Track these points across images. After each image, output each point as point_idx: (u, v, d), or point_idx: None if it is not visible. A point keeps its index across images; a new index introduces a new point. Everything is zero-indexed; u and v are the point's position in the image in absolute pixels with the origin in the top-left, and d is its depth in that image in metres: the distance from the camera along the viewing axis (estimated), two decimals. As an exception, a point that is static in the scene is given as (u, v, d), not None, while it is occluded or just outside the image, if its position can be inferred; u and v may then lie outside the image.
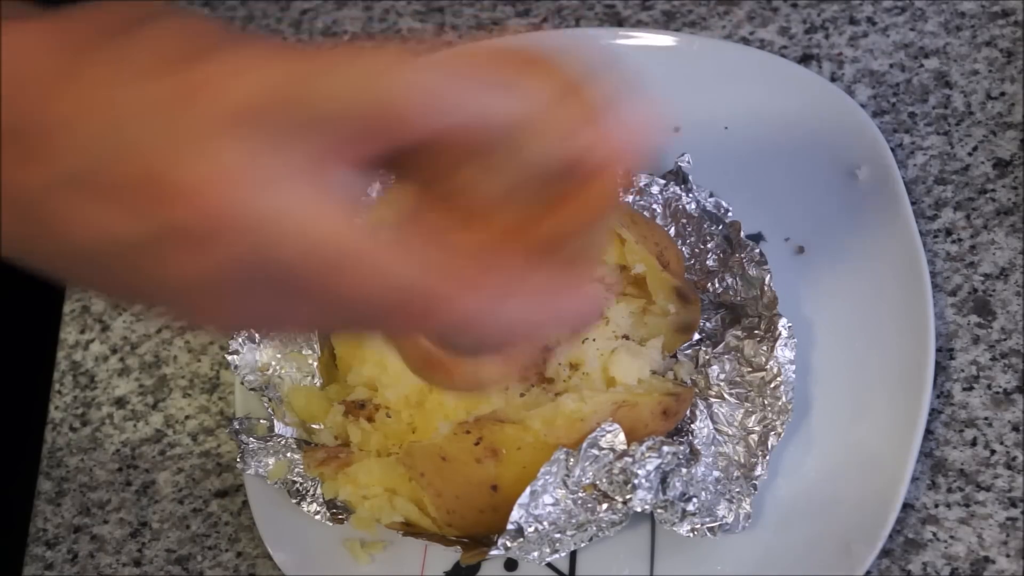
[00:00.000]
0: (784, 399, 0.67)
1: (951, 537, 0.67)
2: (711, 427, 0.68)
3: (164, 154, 0.38)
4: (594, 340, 0.68)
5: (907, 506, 0.67)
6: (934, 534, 0.67)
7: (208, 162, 0.38)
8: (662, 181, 0.73)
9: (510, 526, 0.62)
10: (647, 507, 0.63)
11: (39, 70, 0.40)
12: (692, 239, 0.72)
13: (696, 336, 0.71)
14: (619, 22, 0.83)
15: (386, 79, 0.39)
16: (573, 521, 0.63)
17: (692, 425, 0.68)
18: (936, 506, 0.67)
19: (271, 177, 0.38)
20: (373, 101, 0.39)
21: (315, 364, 0.72)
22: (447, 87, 0.40)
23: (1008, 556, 0.66)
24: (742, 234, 0.71)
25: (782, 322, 0.68)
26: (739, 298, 0.70)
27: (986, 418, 0.69)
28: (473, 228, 0.42)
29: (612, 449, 0.63)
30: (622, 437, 0.63)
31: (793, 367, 0.68)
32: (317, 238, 0.39)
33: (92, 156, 0.39)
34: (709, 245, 0.72)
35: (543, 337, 0.45)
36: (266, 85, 0.38)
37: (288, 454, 0.69)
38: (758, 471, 0.67)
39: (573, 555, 0.69)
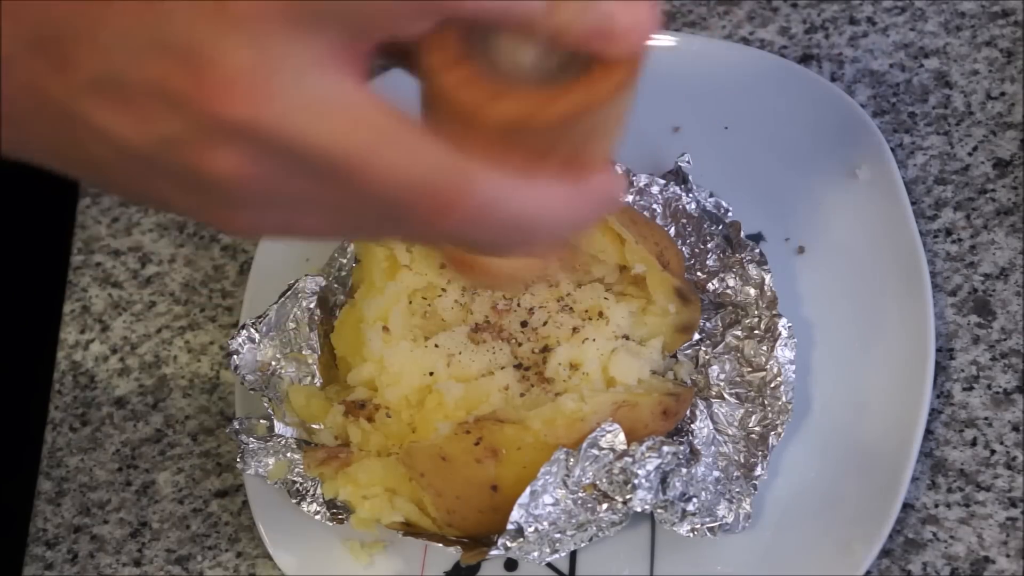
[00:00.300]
0: (784, 399, 0.67)
1: (951, 537, 0.67)
2: (711, 427, 0.68)
3: (188, 52, 0.38)
4: (594, 340, 0.68)
5: (907, 506, 0.67)
6: (934, 534, 0.67)
7: (233, 58, 0.38)
8: (662, 181, 0.73)
9: (510, 526, 0.62)
10: (647, 507, 0.63)
11: None
12: (692, 239, 0.72)
13: (696, 336, 0.71)
14: (619, 22, 0.83)
15: None
16: (573, 521, 0.63)
17: (692, 425, 0.68)
18: (936, 506, 0.67)
19: (296, 69, 0.39)
20: None
21: (315, 364, 0.72)
22: None
23: (1008, 556, 0.66)
24: (742, 234, 0.71)
25: (782, 322, 0.68)
26: (739, 298, 0.70)
27: (986, 418, 0.69)
28: (489, 113, 0.41)
29: (612, 449, 0.63)
30: (622, 437, 0.63)
31: (793, 367, 0.68)
32: (344, 127, 0.39)
33: (117, 60, 0.39)
34: (709, 245, 0.72)
35: (570, 225, 0.44)
36: None
37: (288, 454, 0.69)
38: (758, 471, 0.67)
39: (573, 555, 0.69)
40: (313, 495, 0.69)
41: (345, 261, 0.74)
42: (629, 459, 0.63)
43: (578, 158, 0.43)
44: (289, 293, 0.72)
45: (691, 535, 0.65)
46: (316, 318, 0.72)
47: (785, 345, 0.68)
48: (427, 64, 0.42)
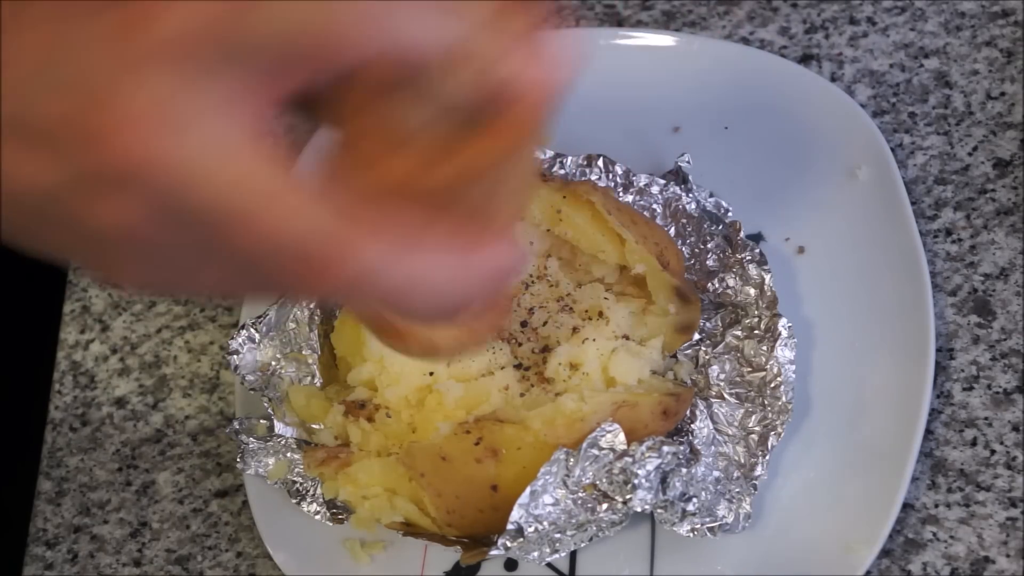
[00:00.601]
0: (784, 399, 0.67)
1: (951, 537, 0.67)
2: (711, 427, 0.68)
3: (86, 93, 0.37)
4: (594, 340, 0.68)
5: (907, 506, 0.67)
6: (934, 534, 0.67)
7: (128, 101, 0.37)
8: (662, 181, 0.73)
9: (510, 526, 0.62)
10: (647, 507, 0.63)
11: None
12: (692, 239, 0.72)
13: (696, 336, 0.71)
14: (619, 22, 0.83)
15: (325, 3, 0.38)
16: (573, 521, 0.63)
17: (692, 425, 0.68)
18: (936, 506, 0.67)
19: (190, 115, 0.37)
20: (310, 25, 0.38)
21: (315, 364, 0.72)
22: (385, 9, 0.38)
23: (1008, 556, 0.66)
24: (742, 234, 0.71)
25: (782, 322, 0.68)
26: (739, 298, 0.70)
27: (986, 418, 0.69)
28: (381, 169, 0.40)
29: (612, 449, 0.63)
30: (622, 437, 0.63)
31: (793, 367, 0.68)
32: (229, 179, 0.38)
33: (20, 100, 0.38)
34: (709, 245, 0.72)
35: (467, 296, 0.42)
36: (201, 14, 0.37)
37: (288, 454, 0.69)
38: (758, 471, 0.67)
39: (573, 555, 0.69)
40: (313, 495, 0.69)
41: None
42: (629, 459, 0.63)
43: (477, 218, 0.41)
44: (289, 293, 0.72)
45: (691, 535, 0.65)
46: (316, 318, 0.72)
47: (785, 345, 0.68)
48: (333, 115, 0.41)
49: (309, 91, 0.39)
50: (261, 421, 0.71)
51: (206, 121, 0.38)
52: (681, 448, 0.64)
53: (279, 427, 0.70)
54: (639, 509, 0.63)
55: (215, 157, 0.38)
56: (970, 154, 0.75)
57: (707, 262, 0.72)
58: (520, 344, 0.69)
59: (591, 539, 0.65)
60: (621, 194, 0.73)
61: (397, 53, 0.39)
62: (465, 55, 0.39)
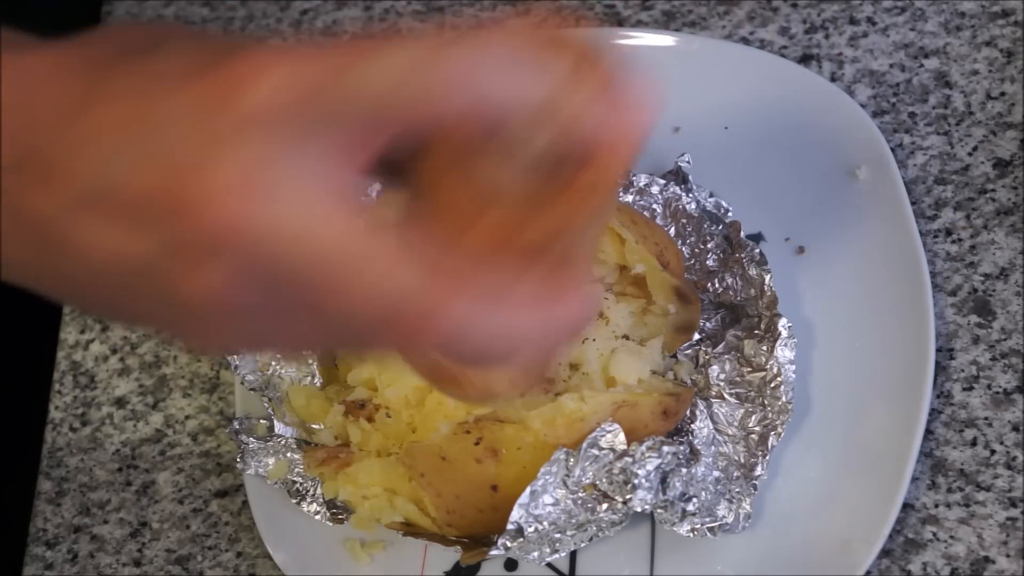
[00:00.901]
0: (784, 399, 0.67)
1: (951, 537, 0.67)
2: (711, 427, 0.68)
3: (176, 165, 0.38)
4: (594, 340, 0.68)
5: (907, 506, 0.67)
6: (934, 534, 0.67)
7: (219, 170, 0.37)
8: (662, 181, 0.73)
9: (510, 526, 0.62)
10: (647, 507, 0.63)
11: (55, 94, 0.40)
12: (692, 239, 0.72)
13: (696, 336, 0.71)
14: (619, 22, 0.83)
15: (421, 64, 0.38)
16: (573, 521, 0.63)
17: (692, 425, 0.68)
18: (936, 506, 0.67)
19: (280, 182, 0.38)
20: (403, 88, 0.38)
21: (315, 364, 0.72)
22: (475, 69, 0.39)
23: (1008, 556, 0.66)
24: (742, 234, 0.71)
25: (782, 322, 0.68)
26: (739, 298, 0.70)
27: (986, 418, 0.69)
28: (470, 229, 0.41)
29: (612, 449, 0.63)
30: (622, 437, 0.63)
31: (793, 367, 0.68)
32: (322, 244, 0.38)
33: (109, 173, 0.38)
34: (709, 245, 0.72)
35: (546, 344, 0.43)
36: (291, 84, 0.38)
37: (288, 454, 0.69)
38: (758, 471, 0.67)
39: (573, 555, 0.69)
40: (313, 495, 0.69)
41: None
42: (629, 459, 0.63)
43: (560, 267, 0.42)
44: (289, 293, 0.72)
45: (691, 535, 0.65)
46: (316, 318, 0.72)
47: (785, 345, 0.68)
48: (421, 172, 0.41)
49: (392, 152, 0.40)
50: (261, 421, 0.71)
51: (297, 187, 0.38)
52: (681, 448, 0.64)
53: (279, 427, 0.70)
54: (639, 509, 0.63)
55: (307, 222, 0.38)
56: (970, 154, 0.75)
57: (707, 262, 0.72)
58: (520, 344, 0.69)
59: (591, 539, 0.65)
60: (621, 194, 0.73)
61: (487, 112, 0.39)
62: (550, 109, 0.39)
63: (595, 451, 0.63)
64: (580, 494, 0.63)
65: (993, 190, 0.74)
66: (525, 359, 0.43)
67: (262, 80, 0.38)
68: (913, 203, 0.73)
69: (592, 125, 0.40)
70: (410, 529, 0.67)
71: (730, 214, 0.72)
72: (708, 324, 0.71)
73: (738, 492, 0.66)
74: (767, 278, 0.70)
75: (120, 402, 0.80)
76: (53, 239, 0.40)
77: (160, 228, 0.38)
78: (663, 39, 0.79)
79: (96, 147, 0.39)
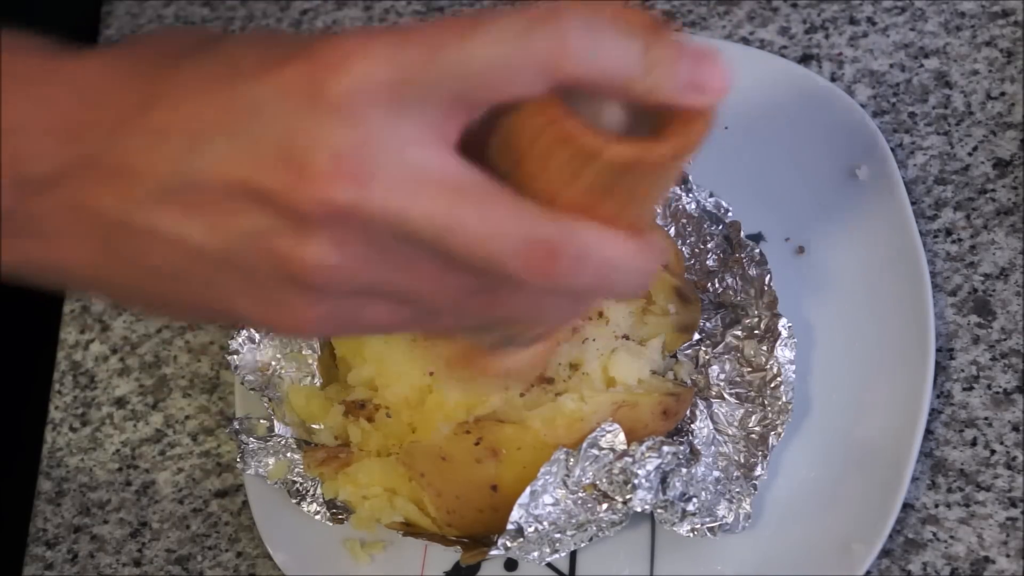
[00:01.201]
0: (784, 399, 0.67)
1: (951, 537, 0.67)
2: (711, 427, 0.68)
3: (290, 142, 0.38)
4: (594, 340, 0.68)
5: (907, 506, 0.67)
6: (934, 534, 0.67)
7: (328, 147, 0.38)
8: (662, 181, 0.73)
9: (510, 526, 0.62)
10: (647, 507, 0.63)
11: (112, 95, 0.40)
12: (692, 239, 0.72)
13: (696, 336, 0.71)
14: (619, 22, 0.83)
15: (513, 42, 0.39)
16: (573, 521, 0.63)
17: (692, 425, 0.68)
18: (936, 506, 0.67)
19: (387, 154, 0.39)
20: (498, 65, 0.39)
21: (315, 364, 0.72)
22: (570, 40, 0.40)
23: (1008, 556, 0.66)
24: (742, 234, 0.71)
25: (782, 322, 0.68)
26: (739, 298, 0.70)
27: (986, 418, 0.69)
28: (610, 153, 0.42)
29: (612, 449, 0.63)
30: (622, 437, 0.63)
31: (793, 367, 0.68)
32: (441, 199, 0.39)
33: (191, 166, 0.39)
34: (709, 245, 0.72)
35: (639, 278, 0.45)
36: (390, 63, 0.39)
37: (288, 454, 0.69)
38: (758, 471, 0.67)
39: (573, 555, 0.69)
40: (313, 495, 0.69)
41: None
42: (629, 459, 0.63)
43: (640, 214, 0.44)
44: (289, 293, 0.72)
45: (691, 535, 0.65)
46: (316, 318, 0.72)
47: (785, 345, 0.68)
48: (529, 123, 0.42)
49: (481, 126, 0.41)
50: (261, 421, 0.71)
51: (411, 150, 0.39)
52: (681, 448, 0.64)
53: (279, 427, 0.70)
54: (639, 509, 0.63)
55: (428, 181, 0.39)
56: (970, 154, 0.75)
57: (707, 262, 0.72)
58: (520, 344, 0.69)
59: (591, 539, 0.65)
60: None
61: (576, 85, 0.40)
62: (639, 74, 0.41)
63: (595, 451, 0.63)
64: (580, 494, 0.63)
65: (993, 190, 0.74)
66: (616, 293, 0.46)
67: (355, 62, 0.38)
68: (913, 203, 0.73)
69: (676, 88, 0.42)
70: (410, 529, 0.67)
71: (730, 214, 0.72)
72: (708, 324, 0.71)
73: (738, 492, 0.66)
74: (767, 278, 0.70)
75: (120, 402, 0.80)
76: (125, 237, 0.40)
77: (263, 209, 0.39)
78: (663, 39, 0.79)
79: (171, 142, 0.39)
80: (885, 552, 0.67)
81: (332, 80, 0.38)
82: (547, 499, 0.63)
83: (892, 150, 0.74)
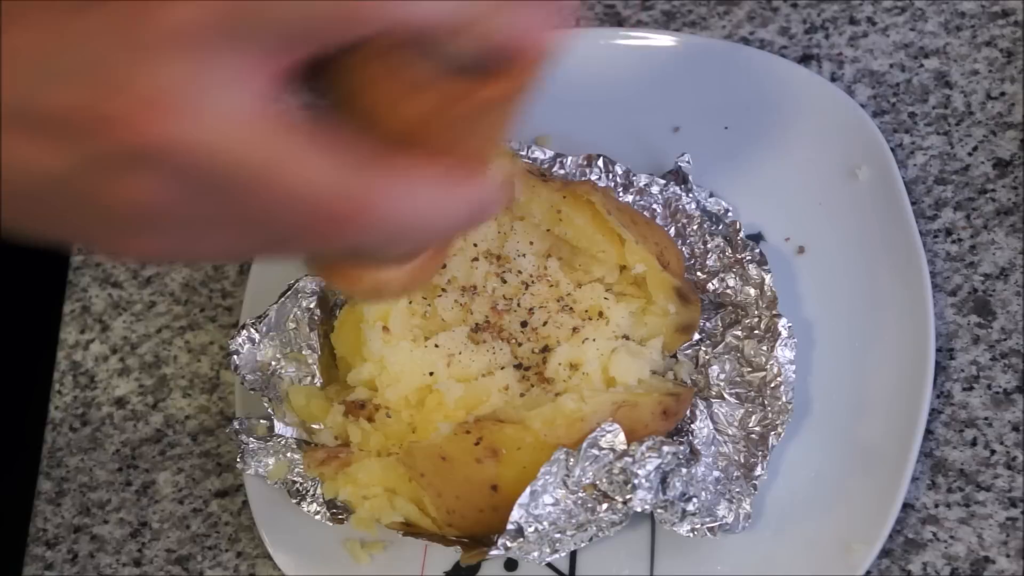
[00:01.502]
0: (784, 399, 0.67)
1: (951, 537, 0.67)
2: (711, 427, 0.68)
3: (100, 79, 0.39)
4: (594, 340, 0.68)
5: (907, 506, 0.67)
6: (934, 534, 0.67)
7: (143, 84, 0.38)
8: (662, 181, 0.73)
9: (510, 526, 0.62)
10: (647, 507, 0.63)
11: None
12: (692, 239, 0.72)
13: (696, 336, 0.71)
14: (619, 22, 0.83)
15: None
16: (573, 521, 0.63)
17: (692, 425, 0.68)
18: (936, 506, 0.67)
19: (203, 92, 0.39)
20: (319, 9, 0.39)
21: (315, 364, 0.72)
22: None
23: (1008, 556, 0.66)
24: (742, 234, 0.71)
25: (782, 322, 0.68)
26: (739, 298, 0.70)
27: (986, 418, 0.69)
28: (388, 117, 0.43)
29: (612, 449, 0.63)
30: (622, 437, 0.63)
31: (793, 367, 0.68)
32: (247, 145, 0.40)
33: (30, 91, 0.39)
34: (709, 245, 0.72)
35: (452, 225, 0.46)
36: (210, 4, 0.39)
37: (288, 454, 0.69)
38: (758, 471, 0.67)
39: (573, 555, 0.69)
40: (313, 495, 0.69)
41: (345, 261, 0.74)
42: (629, 459, 0.63)
43: (466, 159, 0.45)
44: (289, 293, 0.72)
45: (691, 535, 0.65)
46: (316, 318, 0.72)
47: (785, 345, 0.68)
48: (344, 72, 0.43)
49: (316, 57, 0.41)
50: (261, 421, 0.71)
51: (219, 96, 0.39)
52: (681, 448, 0.64)
53: (279, 427, 0.70)
54: (639, 509, 0.63)
55: (231, 126, 0.40)
56: (970, 154, 0.75)
57: (707, 262, 0.72)
58: (520, 344, 0.69)
59: (591, 539, 0.65)
60: (621, 194, 0.73)
61: (406, 28, 0.41)
62: (469, 20, 0.41)
63: (595, 451, 0.63)
64: (580, 494, 0.63)
65: (993, 190, 0.74)
66: (431, 242, 0.47)
67: (177, 3, 0.39)
68: (913, 203, 0.73)
69: (508, 34, 0.42)
70: (410, 529, 0.67)
71: (730, 214, 0.72)
72: (708, 324, 0.71)
73: (738, 492, 0.66)
74: (767, 278, 0.70)
75: (120, 402, 0.80)
76: None
77: (83, 141, 0.39)
78: (663, 39, 0.79)
79: (15, 67, 0.39)
80: (885, 552, 0.67)
81: (155, 15, 0.38)
82: (547, 499, 0.63)
83: (892, 150, 0.74)
